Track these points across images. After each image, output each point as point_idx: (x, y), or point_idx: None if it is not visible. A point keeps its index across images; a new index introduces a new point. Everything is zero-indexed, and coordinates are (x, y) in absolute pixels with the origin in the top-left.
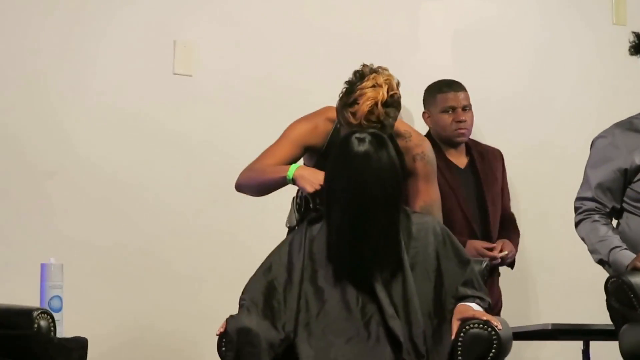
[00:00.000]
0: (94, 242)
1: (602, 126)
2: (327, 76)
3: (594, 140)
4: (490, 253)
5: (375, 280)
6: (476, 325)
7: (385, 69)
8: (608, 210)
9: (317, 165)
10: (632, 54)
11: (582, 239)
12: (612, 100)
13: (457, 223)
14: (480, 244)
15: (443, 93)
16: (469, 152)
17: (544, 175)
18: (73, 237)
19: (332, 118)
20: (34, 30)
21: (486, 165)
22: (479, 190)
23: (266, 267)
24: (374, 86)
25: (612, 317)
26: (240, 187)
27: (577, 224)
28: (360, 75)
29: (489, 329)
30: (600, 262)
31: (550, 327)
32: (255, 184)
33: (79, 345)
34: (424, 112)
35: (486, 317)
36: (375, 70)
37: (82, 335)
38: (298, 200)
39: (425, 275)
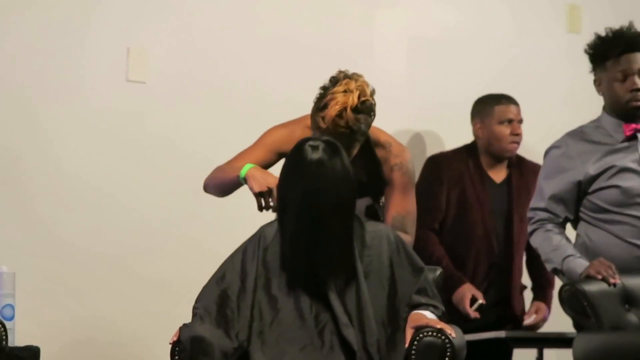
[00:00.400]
0: (46, 250)
1: (563, 132)
2: (282, 81)
3: (547, 151)
4: (469, 311)
5: (329, 289)
6: (430, 333)
7: (360, 76)
8: (561, 220)
9: None
10: (591, 55)
11: (536, 249)
12: (571, 107)
13: (477, 237)
14: (468, 294)
15: (502, 105)
16: (509, 167)
17: None
18: (24, 245)
19: (309, 126)
20: None
21: (523, 181)
22: (509, 206)
23: (219, 275)
24: (345, 91)
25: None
26: (205, 187)
27: (530, 234)
28: (334, 81)
29: (443, 337)
30: (554, 270)
31: (504, 336)
32: (217, 184)
33: (31, 354)
34: (475, 122)
35: (440, 325)
36: (349, 76)
37: (34, 344)
38: None
39: (379, 284)
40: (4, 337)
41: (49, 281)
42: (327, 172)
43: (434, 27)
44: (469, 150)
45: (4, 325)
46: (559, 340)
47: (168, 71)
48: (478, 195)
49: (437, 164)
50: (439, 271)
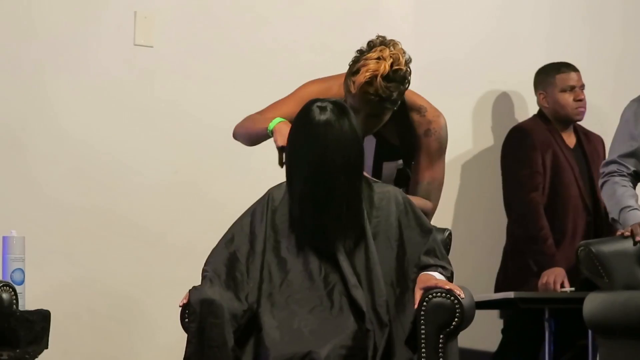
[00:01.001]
0: (56, 214)
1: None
2: (289, 42)
3: (624, 109)
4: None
5: (338, 250)
6: (439, 294)
7: (397, 43)
8: (630, 172)
9: None
10: None
11: (603, 200)
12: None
13: (573, 198)
14: (559, 279)
15: (562, 73)
16: (576, 133)
17: None
18: (35, 209)
19: (342, 85)
20: None
21: (592, 146)
22: (588, 169)
23: (228, 238)
24: (378, 58)
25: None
26: (235, 135)
27: (601, 187)
28: (370, 46)
29: (452, 298)
30: (613, 220)
31: (512, 296)
32: (245, 133)
33: (42, 318)
34: (539, 93)
35: (449, 285)
36: (385, 43)
37: (44, 308)
38: None
39: (387, 245)
40: (14, 301)
41: (58, 245)
42: (334, 132)
43: None
44: (542, 118)
45: (14, 289)
46: (568, 301)
47: (175, 35)
48: (567, 158)
49: (525, 132)
50: (447, 232)
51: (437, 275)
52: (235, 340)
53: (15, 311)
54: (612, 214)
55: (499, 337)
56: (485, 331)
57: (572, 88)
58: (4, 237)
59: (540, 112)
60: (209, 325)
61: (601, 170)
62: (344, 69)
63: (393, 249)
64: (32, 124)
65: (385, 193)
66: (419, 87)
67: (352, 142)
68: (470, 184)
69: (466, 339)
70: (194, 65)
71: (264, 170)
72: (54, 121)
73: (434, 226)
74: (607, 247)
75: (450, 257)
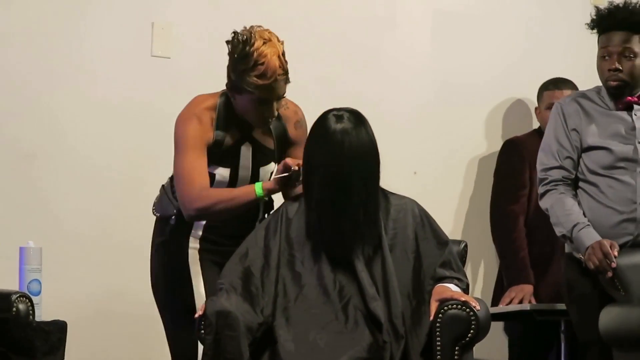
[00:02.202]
0: (73, 225)
1: None
2: (306, 55)
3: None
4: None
5: (356, 257)
6: (454, 306)
7: (259, 26)
8: (573, 177)
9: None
10: (589, 28)
11: (546, 210)
12: (596, 81)
13: None
14: (528, 296)
15: (549, 90)
16: None
17: None
18: (52, 220)
19: (210, 106)
20: (12, 13)
21: None
22: None
23: (242, 252)
24: (264, 43)
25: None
26: (200, 216)
27: (542, 195)
28: (242, 41)
29: (468, 310)
30: (563, 237)
31: (528, 308)
32: (227, 211)
33: (58, 329)
34: (535, 107)
35: (464, 297)
36: (251, 32)
37: (61, 318)
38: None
39: (404, 257)
40: (31, 311)
41: (75, 256)
42: (352, 140)
43: (458, 1)
44: (538, 134)
45: (31, 300)
46: None
47: (192, 46)
48: None
49: (516, 145)
50: (463, 244)
51: (452, 287)
52: (250, 353)
53: (32, 322)
54: (563, 229)
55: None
56: (500, 343)
57: None
58: (21, 248)
59: (539, 127)
60: (224, 337)
61: (543, 176)
62: (361, 80)
63: (410, 261)
64: (50, 133)
65: (402, 205)
66: (435, 96)
67: (369, 150)
68: (483, 195)
69: (482, 351)
70: (211, 76)
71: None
72: (70, 134)
73: (449, 239)
74: (624, 260)
75: (465, 268)
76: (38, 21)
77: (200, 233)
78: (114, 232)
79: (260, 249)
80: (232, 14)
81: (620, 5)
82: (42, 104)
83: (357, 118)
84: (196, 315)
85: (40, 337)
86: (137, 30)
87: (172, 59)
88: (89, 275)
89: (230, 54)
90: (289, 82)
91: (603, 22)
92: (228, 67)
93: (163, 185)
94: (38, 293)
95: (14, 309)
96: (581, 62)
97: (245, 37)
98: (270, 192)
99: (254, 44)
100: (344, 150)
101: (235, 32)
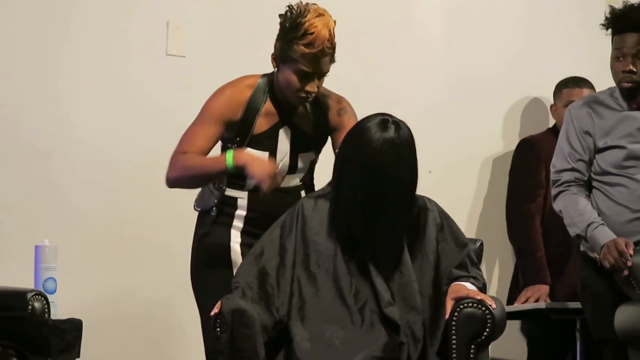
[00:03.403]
0: (89, 223)
1: None
2: None
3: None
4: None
5: (373, 263)
6: (470, 304)
7: (314, 3)
8: (586, 179)
9: (239, 136)
10: (604, 28)
11: (559, 212)
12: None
13: None
14: (544, 296)
15: (568, 88)
16: None
17: None
18: (68, 218)
19: (249, 84)
20: (28, 9)
21: None
22: None
23: (257, 252)
24: (317, 16)
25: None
26: (173, 183)
27: (555, 197)
28: (296, 12)
29: (483, 308)
30: (577, 237)
31: (544, 306)
32: (192, 176)
33: (74, 327)
34: (551, 105)
35: (480, 296)
36: (304, 5)
37: (76, 317)
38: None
39: (424, 258)
40: (46, 310)
41: (90, 254)
42: (393, 153)
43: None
44: (553, 132)
45: (46, 298)
46: None
47: (207, 45)
48: None
49: (532, 144)
50: (479, 242)
51: (468, 285)
52: (265, 352)
53: (47, 320)
54: (577, 229)
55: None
56: (516, 341)
57: None
58: (36, 247)
59: (555, 125)
60: (240, 336)
61: (555, 177)
62: (377, 80)
63: (430, 262)
64: (62, 136)
65: (422, 206)
66: (450, 95)
67: (409, 166)
68: (498, 194)
69: (497, 349)
70: (226, 75)
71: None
72: (85, 133)
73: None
74: (639, 258)
75: (481, 266)
76: (54, 20)
77: (241, 226)
78: (129, 230)
79: (275, 247)
80: (247, 13)
81: (635, 5)
82: (57, 103)
83: (403, 130)
84: (212, 314)
85: (56, 335)
86: (153, 29)
87: (187, 58)
88: (105, 274)
89: (282, 23)
90: (334, 61)
91: (617, 23)
92: (277, 37)
93: None
94: (53, 291)
95: (30, 307)
96: (597, 61)
97: (299, 9)
98: (240, 168)
99: (306, 15)
100: (384, 160)
101: (289, 5)
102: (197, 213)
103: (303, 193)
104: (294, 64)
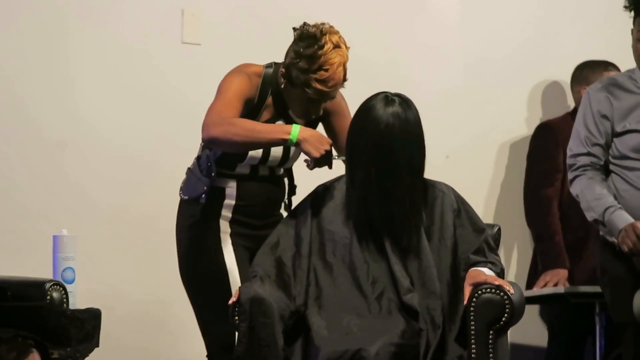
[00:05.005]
0: (107, 213)
1: None
2: None
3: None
4: None
5: (391, 248)
6: (488, 290)
7: (330, 26)
8: (602, 163)
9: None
10: (627, 10)
11: (576, 196)
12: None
13: None
14: (562, 279)
15: (610, 72)
16: None
17: None
18: (86, 208)
19: (257, 72)
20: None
21: None
22: None
23: (273, 242)
24: (335, 48)
25: None
26: (217, 141)
27: (571, 181)
28: (312, 37)
29: (501, 294)
30: (595, 221)
31: (562, 291)
32: (242, 142)
33: (92, 316)
34: (574, 89)
35: (498, 281)
36: (322, 30)
37: (95, 306)
38: (207, 164)
39: (443, 244)
40: (65, 299)
41: (109, 244)
42: (401, 125)
43: None
44: (572, 117)
45: (64, 288)
46: None
47: (223, 33)
48: None
49: (551, 128)
50: (496, 227)
51: (486, 270)
52: (283, 341)
53: (66, 310)
54: (594, 214)
55: None
56: (536, 326)
57: None
58: (54, 236)
59: (574, 108)
60: (259, 324)
61: (572, 162)
62: (393, 64)
63: (447, 248)
64: (77, 125)
65: (439, 192)
66: (467, 79)
67: (417, 137)
68: (516, 179)
69: (516, 334)
70: (241, 63)
71: (314, 173)
72: (101, 121)
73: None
74: None
75: (498, 252)
76: (68, 9)
77: (230, 215)
78: (146, 219)
79: (291, 237)
80: (262, 0)
81: None
82: (72, 93)
83: (407, 104)
84: (230, 302)
85: (75, 325)
86: (168, 17)
87: (203, 46)
88: (123, 263)
89: (296, 44)
90: (344, 87)
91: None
92: (289, 54)
93: (189, 168)
94: (72, 281)
95: (48, 297)
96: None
97: (315, 34)
98: (302, 142)
99: (323, 46)
100: (393, 133)
101: (304, 24)
102: None
103: (286, 180)
104: (304, 91)
